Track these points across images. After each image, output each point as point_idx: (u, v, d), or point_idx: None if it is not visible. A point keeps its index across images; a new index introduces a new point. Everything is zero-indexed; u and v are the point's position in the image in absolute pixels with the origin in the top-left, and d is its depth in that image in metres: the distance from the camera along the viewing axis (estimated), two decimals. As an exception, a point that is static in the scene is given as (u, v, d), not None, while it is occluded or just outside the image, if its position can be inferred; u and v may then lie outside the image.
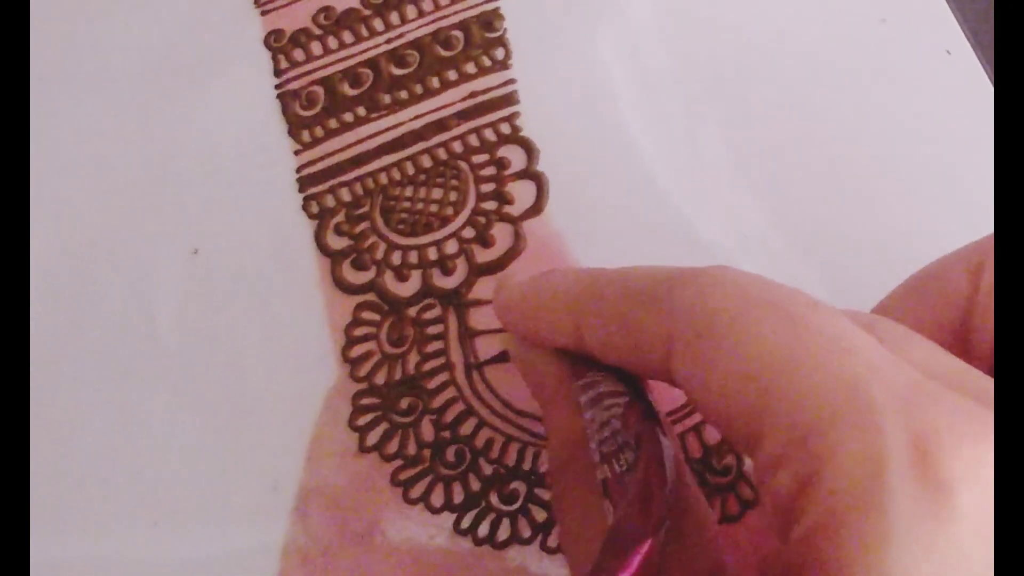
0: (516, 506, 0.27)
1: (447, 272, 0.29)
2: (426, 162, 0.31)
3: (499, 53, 0.32)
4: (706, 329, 0.17)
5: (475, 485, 0.27)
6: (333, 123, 0.32)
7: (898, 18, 0.32)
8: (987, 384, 0.16)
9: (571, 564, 0.21)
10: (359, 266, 0.30)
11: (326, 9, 0.34)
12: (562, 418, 0.22)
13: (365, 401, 0.28)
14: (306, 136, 0.32)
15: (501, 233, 0.30)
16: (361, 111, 0.32)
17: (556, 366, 0.22)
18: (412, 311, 0.29)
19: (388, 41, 0.33)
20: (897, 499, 0.14)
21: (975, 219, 0.28)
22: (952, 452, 0.14)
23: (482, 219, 0.30)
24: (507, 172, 0.30)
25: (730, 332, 0.16)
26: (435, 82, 0.32)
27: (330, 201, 0.31)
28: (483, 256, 0.30)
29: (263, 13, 0.34)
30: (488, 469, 0.27)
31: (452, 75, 0.32)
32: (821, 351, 0.15)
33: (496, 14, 0.33)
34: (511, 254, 0.29)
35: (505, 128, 0.31)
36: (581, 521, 0.20)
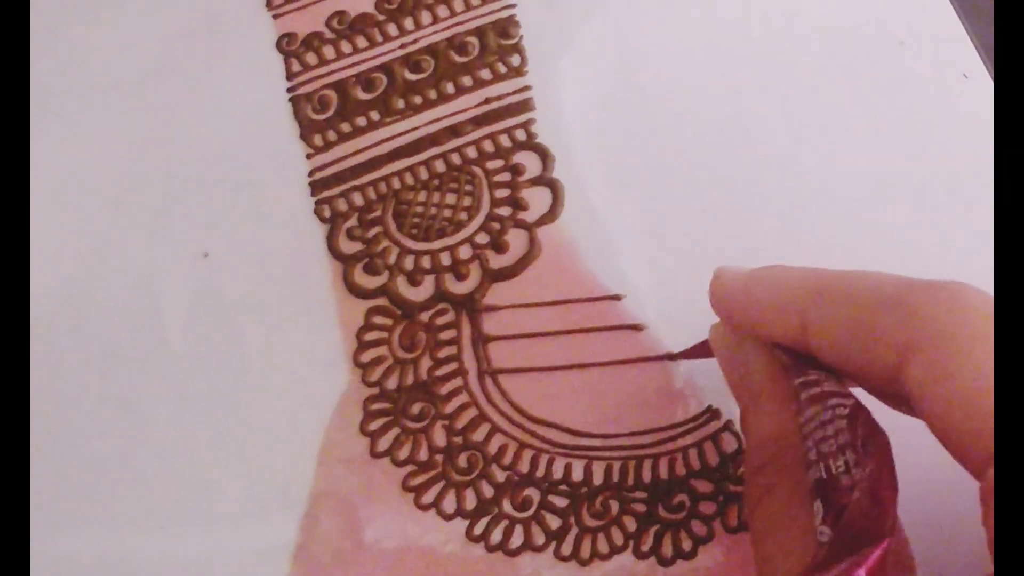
0: (529, 513, 0.27)
1: (460, 277, 0.29)
2: (440, 167, 0.31)
3: (515, 60, 0.32)
4: (951, 339, 0.17)
5: (487, 491, 0.27)
6: (346, 127, 0.32)
7: (916, 40, 0.32)
8: None
9: (763, 563, 0.20)
10: (371, 271, 0.30)
11: (340, 13, 0.34)
12: (771, 413, 0.21)
13: (376, 406, 0.28)
14: (318, 140, 0.32)
15: (515, 239, 0.30)
16: (374, 115, 0.32)
17: (771, 359, 0.22)
18: (424, 316, 0.29)
19: (402, 46, 0.33)
20: None
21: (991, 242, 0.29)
22: None
23: (496, 225, 0.30)
24: (522, 178, 0.30)
25: (974, 346, 0.16)
26: (450, 88, 0.32)
27: (342, 205, 0.31)
28: (497, 262, 0.29)
29: (275, 16, 0.34)
30: (501, 476, 0.27)
31: (467, 81, 0.32)
32: None
33: (512, 21, 0.33)
34: (525, 260, 0.29)
35: (520, 134, 0.31)
36: (782, 520, 0.20)
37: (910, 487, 0.19)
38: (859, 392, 0.21)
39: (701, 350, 0.26)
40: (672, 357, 0.28)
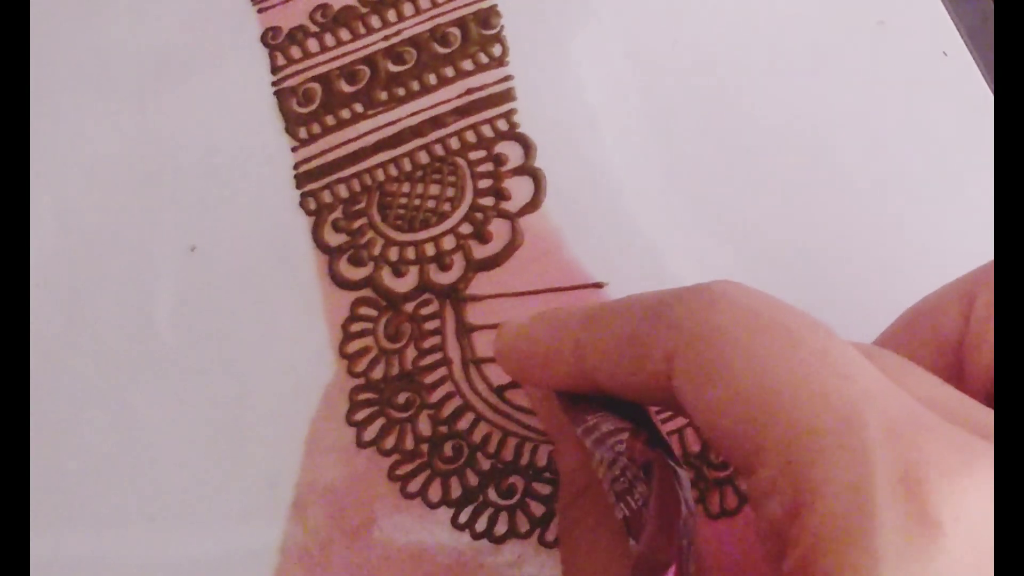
0: (514, 500, 0.27)
1: (444, 268, 0.29)
2: (423, 158, 0.31)
3: (496, 50, 0.32)
4: (708, 344, 0.16)
5: (473, 480, 0.27)
6: (330, 120, 0.32)
7: (895, 20, 0.32)
8: (985, 415, 0.16)
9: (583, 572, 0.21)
10: (356, 262, 0.30)
11: (323, 6, 0.34)
12: (567, 456, 0.23)
13: (362, 396, 0.28)
14: (303, 133, 0.32)
15: (498, 229, 0.30)
16: (358, 108, 0.32)
17: (557, 409, 0.22)
18: (409, 307, 0.29)
19: (385, 38, 0.33)
20: (885, 533, 0.13)
21: (974, 223, 0.29)
22: (941, 486, 0.14)
23: (479, 215, 0.30)
24: (504, 168, 0.31)
25: (732, 348, 0.16)
26: (432, 79, 0.32)
27: (327, 197, 0.31)
28: (480, 252, 0.30)
29: (260, 11, 0.34)
30: (486, 464, 0.27)
31: (449, 72, 0.32)
32: (819, 375, 0.15)
33: (493, 11, 0.33)
34: (508, 250, 0.29)
35: (502, 124, 0.31)
36: (590, 556, 0.20)
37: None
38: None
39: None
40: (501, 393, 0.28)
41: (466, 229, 0.30)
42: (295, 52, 0.33)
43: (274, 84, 0.33)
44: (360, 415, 0.28)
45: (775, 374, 0.15)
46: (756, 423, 0.15)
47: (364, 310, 0.29)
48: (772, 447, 0.15)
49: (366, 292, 0.30)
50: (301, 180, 0.31)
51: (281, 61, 0.33)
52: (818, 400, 0.15)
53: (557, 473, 0.26)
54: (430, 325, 0.29)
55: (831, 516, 0.14)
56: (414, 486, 0.27)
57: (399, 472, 0.27)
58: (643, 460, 0.19)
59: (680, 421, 0.27)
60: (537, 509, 0.27)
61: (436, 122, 0.31)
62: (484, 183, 0.30)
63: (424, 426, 0.28)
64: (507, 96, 0.31)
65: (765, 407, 0.15)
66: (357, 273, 0.30)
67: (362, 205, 0.31)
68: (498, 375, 0.28)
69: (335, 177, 0.31)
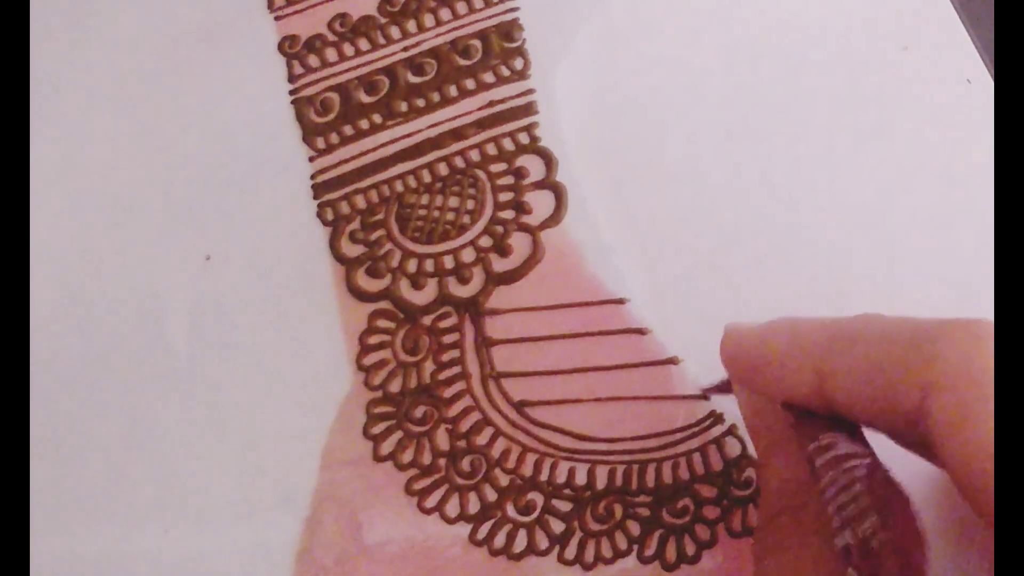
0: (533, 517, 0.27)
1: (463, 281, 0.29)
2: (443, 170, 0.31)
3: (518, 63, 0.32)
4: (972, 381, 0.16)
5: (491, 495, 0.27)
6: (348, 130, 0.32)
7: (919, 46, 0.32)
8: None
9: None
10: (374, 274, 0.30)
11: (342, 16, 0.34)
12: (779, 470, 0.21)
13: (379, 409, 0.28)
14: (320, 143, 0.32)
15: (519, 243, 0.30)
16: (377, 118, 0.32)
17: (780, 421, 0.22)
18: (427, 319, 0.29)
19: (405, 49, 0.33)
20: None
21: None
22: None
23: (500, 228, 0.30)
24: (525, 182, 0.30)
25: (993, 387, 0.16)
26: (453, 90, 0.32)
27: (345, 208, 0.31)
28: (500, 265, 0.29)
29: (277, 19, 0.34)
30: (504, 479, 0.27)
31: (470, 84, 0.32)
32: None
33: (515, 24, 0.33)
34: (529, 263, 0.29)
35: (523, 138, 0.31)
36: (795, 569, 0.19)
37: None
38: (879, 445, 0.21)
39: (728, 386, 0.25)
40: (703, 394, 0.27)
41: (486, 242, 0.30)
42: (313, 61, 0.33)
43: (291, 93, 0.33)
44: (377, 428, 0.28)
45: None
46: None
47: (382, 322, 0.29)
48: None
49: (384, 304, 0.29)
50: (318, 190, 0.31)
51: (299, 70, 0.33)
52: None
53: (758, 491, 0.25)
54: (449, 338, 0.29)
55: None
56: (431, 501, 0.27)
57: (416, 487, 0.27)
58: (882, 493, 0.18)
59: (715, 432, 0.27)
60: (556, 526, 0.26)
61: (456, 134, 0.31)
62: (505, 196, 0.30)
63: (442, 440, 0.28)
64: (529, 109, 0.31)
65: None
66: (375, 285, 0.30)
67: (380, 216, 0.30)
68: (517, 389, 0.28)
69: (353, 188, 0.31)
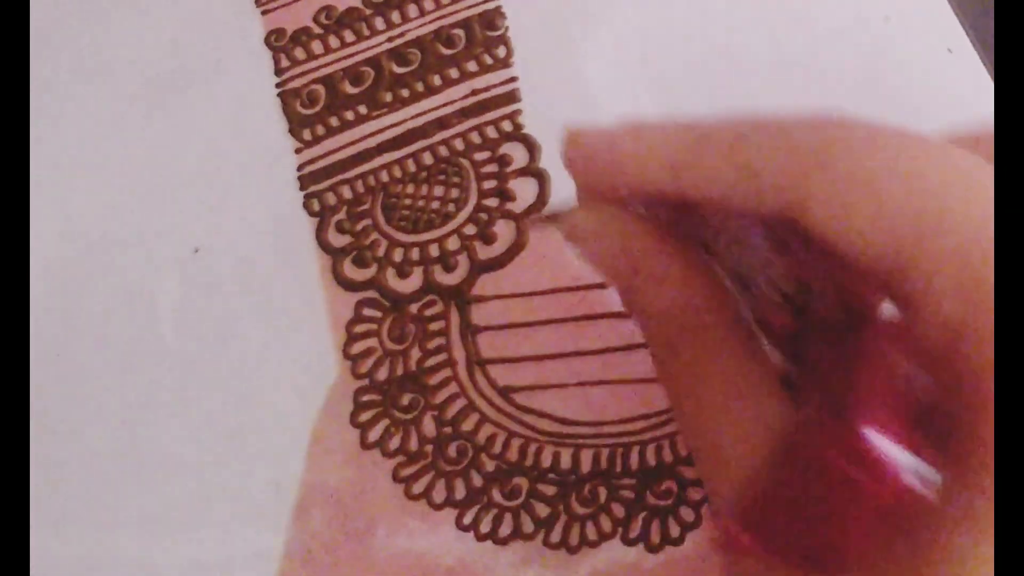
0: (518, 501, 0.27)
1: (449, 269, 0.29)
2: (427, 159, 0.31)
3: (501, 51, 0.32)
4: (845, 167, 0.16)
5: (477, 481, 0.27)
6: (334, 121, 0.32)
7: (901, 16, 0.32)
8: None
9: (709, 459, 0.18)
10: (360, 263, 0.30)
11: (327, 8, 0.34)
12: (669, 277, 0.19)
13: (366, 398, 0.28)
14: (307, 134, 0.32)
15: (503, 230, 0.30)
16: (362, 109, 0.32)
17: (649, 225, 0.19)
18: (414, 308, 0.29)
19: (389, 40, 0.33)
20: None
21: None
22: None
23: (484, 216, 0.30)
24: (509, 169, 0.30)
25: (871, 170, 0.16)
26: (436, 80, 0.32)
27: (331, 199, 0.31)
28: (485, 253, 0.29)
29: (264, 12, 0.34)
30: (490, 465, 0.27)
31: (454, 73, 0.32)
32: (959, 186, 0.16)
33: (498, 13, 0.33)
34: (513, 250, 0.29)
35: (507, 125, 0.31)
36: (727, 392, 0.18)
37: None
38: None
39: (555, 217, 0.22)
40: (529, 223, 0.28)
41: (471, 230, 0.30)
42: (299, 54, 0.33)
43: (278, 86, 0.33)
44: (364, 416, 0.28)
45: (921, 190, 0.16)
46: (912, 237, 0.15)
47: (368, 311, 0.29)
48: (939, 252, 0.15)
49: (370, 293, 0.30)
50: (305, 181, 0.31)
51: (285, 63, 0.33)
52: (966, 208, 0.15)
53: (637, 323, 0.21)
54: (435, 326, 0.29)
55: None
56: (418, 487, 0.27)
57: (403, 473, 0.27)
58: (781, 233, 0.17)
59: (671, 428, 0.27)
60: (542, 510, 0.26)
61: (441, 123, 0.31)
62: (489, 184, 0.30)
63: (428, 427, 0.28)
64: (512, 97, 0.31)
65: (920, 221, 0.15)
66: (361, 274, 0.30)
67: (366, 206, 0.31)
68: (503, 376, 0.28)
69: (339, 178, 0.31)
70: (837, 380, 0.15)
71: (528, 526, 0.26)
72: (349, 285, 0.30)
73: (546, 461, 0.27)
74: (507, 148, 0.31)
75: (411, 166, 0.31)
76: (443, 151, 0.31)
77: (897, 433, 0.14)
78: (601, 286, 0.29)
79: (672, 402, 0.19)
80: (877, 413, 0.14)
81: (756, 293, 0.18)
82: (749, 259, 0.18)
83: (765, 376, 0.18)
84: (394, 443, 0.28)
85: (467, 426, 0.28)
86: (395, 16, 0.33)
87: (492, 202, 0.30)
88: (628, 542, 0.26)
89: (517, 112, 0.31)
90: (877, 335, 0.15)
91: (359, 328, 0.29)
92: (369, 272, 0.30)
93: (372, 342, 0.29)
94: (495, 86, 0.32)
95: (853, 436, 0.14)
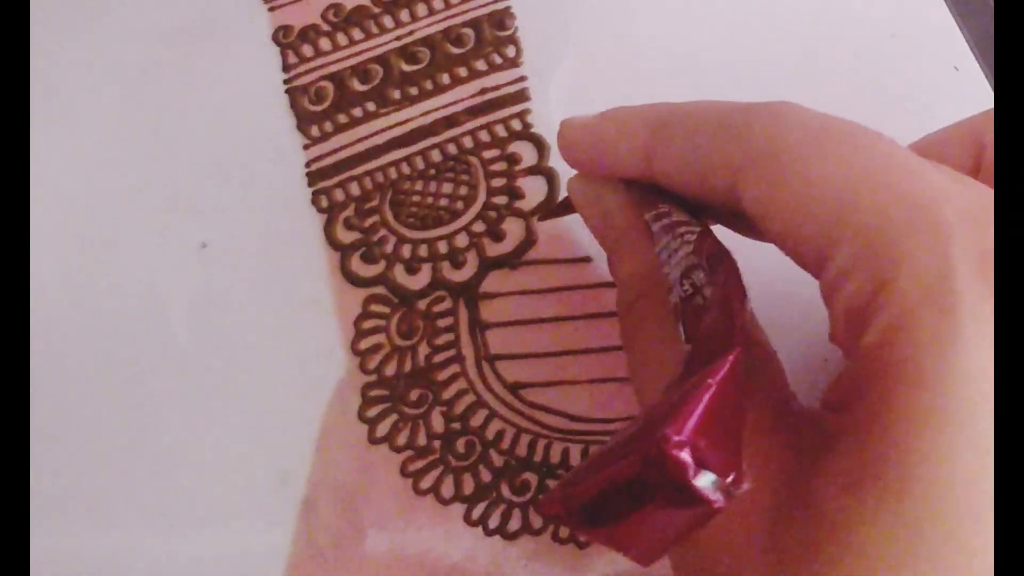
0: (527, 497, 0.27)
1: (457, 265, 0.30)
2: (436, 157, 0.31)
3: (510, 51, 0.32)
4: (778, 151, 0.17)
5: (486, 476, 0.27)
6: (342, 118, 0.32)
7: (907, 34, 0.32)
8: None
9: (640, 393, 0.21)
10: (369, 259, 0.30)
11: (335, 6, 0.34)
12: (634, 251, 0.22)
13: (375, 393, 0.28)
14: (315, 131, 0.32)
15: (512, 227, 0.30)
16: (370, 106, 0.32)
17: (626, 200, 0.23)
18: (422, 304, 0.29)
19: (398, 38, 0.33)
20: (967, 300, 0.15)
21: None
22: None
23: (493, 213, 0.30)
24: (518, 167, 0.31)
25: (802, 154, 0.17)
26: (445, 78, 0.32)
27: (339, 195, 0.31)
28: (494, 250, 0.30)
29: (271, 9, 0.34)
30: (499, 460, 0.27)
31: (463, 72, 0.32)
32: (891, 173, 0.16)
33: (507, 13, 0.33)
34: (522, 248, 0.30)
35: (516, 124, 0.31)
36: (653, 349, 0.20)
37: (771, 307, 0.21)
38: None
39: (564, 208, 0.26)
40: (540, 219, 0.29)
41: (479, 227, 0.30)
42: (307, 50, 0.33)
43: (286, 82, 0.33)
44: (372, 412, 0.28)
45: (847, 173, 0.16)
46: (832, 217, 0.16)
47: (376, 307, 0.29)
48: (851, 235, 0.16)
49: (379, 289, 0.30)
50: (313, 178, 0.31)
51: (293, 59, 0.33)
52: (893, 192, 0.16)
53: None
54: (443, 322, 0.29)
55: (915, 285, 0.15)
56: (427, 483, 0.27)
57: (411, 469, 0.27)
58: (710, 252, 0.19)
59: None
60: (551, 506, 0.27)
61: (450, 121, 0.31)
62: (498, 182, 0.31)
63: (437, 423, 0.28)
64: (521, 96, 0.32)
65: (840, 202, 0.16)
66: (369, 270, 0.30)
67: (375, 203, 0.31)
68: (512, 372, 0.28)
69: (347, 175, 0.31)
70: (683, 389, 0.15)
71: (537, 521, 0.27)
72: (357, 281, 0.30)
73: (555, 457, 0.27)
74: (516, 147, 0.31)
75: (420, 163, 0.31)
76: (452, 149, 0.31)
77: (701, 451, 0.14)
78: (610, 284, 0.29)
79: (625, 347, 0.22)
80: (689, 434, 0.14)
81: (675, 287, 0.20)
82: (682, 261, 0.20)
83: (679, 352, 0.20)
84: (403, 438, 0.28)
85: (476, 421, 0.28)
86: (404, 15, 0.33)
87: (501, 200, 0.30)
88: (637, 537, 0.26)
89: (526, 111, 0.31)
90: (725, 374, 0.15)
91: (367, 324, 0.29)
92: (378, 268, 0.30)
93: (380, 338, 0.29)
94: (504, 85, 0.32)
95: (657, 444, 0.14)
